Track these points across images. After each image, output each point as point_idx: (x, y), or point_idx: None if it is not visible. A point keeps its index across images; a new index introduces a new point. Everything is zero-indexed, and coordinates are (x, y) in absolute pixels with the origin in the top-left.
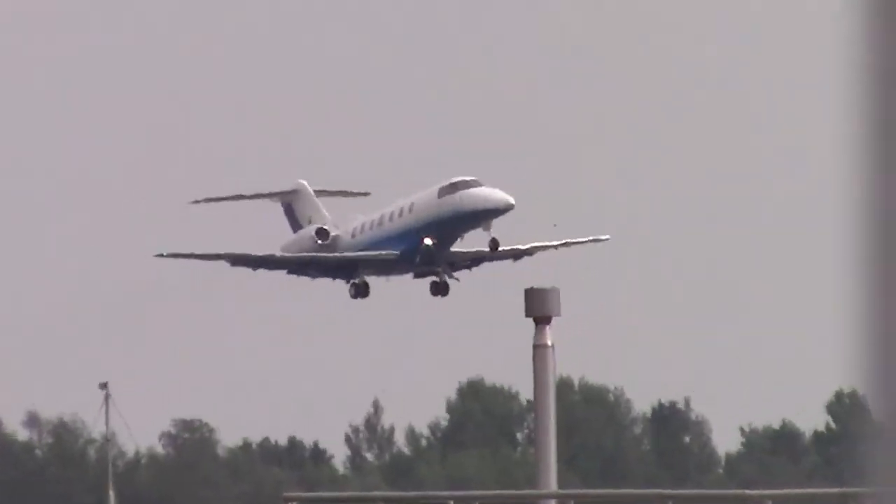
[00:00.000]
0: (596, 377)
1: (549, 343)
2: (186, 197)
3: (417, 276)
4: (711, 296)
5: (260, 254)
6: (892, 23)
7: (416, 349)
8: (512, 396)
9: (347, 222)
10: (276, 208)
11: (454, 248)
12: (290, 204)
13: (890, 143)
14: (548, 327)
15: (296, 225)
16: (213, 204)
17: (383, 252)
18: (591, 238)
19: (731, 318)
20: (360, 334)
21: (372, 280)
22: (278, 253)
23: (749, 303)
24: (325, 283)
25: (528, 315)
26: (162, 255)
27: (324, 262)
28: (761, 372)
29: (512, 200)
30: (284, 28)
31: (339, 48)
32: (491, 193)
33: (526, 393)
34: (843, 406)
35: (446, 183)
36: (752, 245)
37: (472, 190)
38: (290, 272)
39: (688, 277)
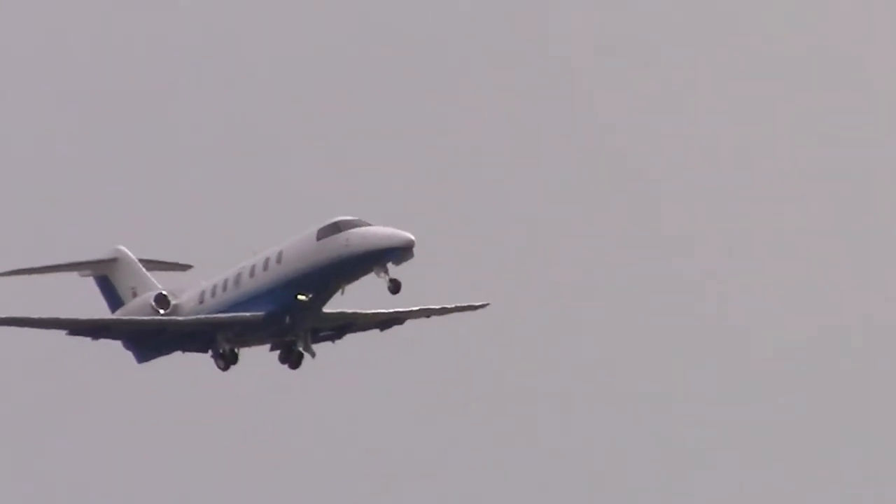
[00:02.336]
0: None
1: None
2: None
3: (275, 346)
4: None
5: (105, 317)
6: None
7: None
8: None
9: (181, 292)
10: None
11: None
12: (107, 276)
13: None
14: None
15: (114, 301)
16: (19, 278)
17: (246, 314)
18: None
19: None
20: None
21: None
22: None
23: None
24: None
25: None
26: None
27: (179, 327)
28: None
29: (412, 237)
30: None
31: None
32: (385, 231)
33: None
34: None
35: (325, 224)
36: None
37: (361, 229)
38: (130, 344)
39: None
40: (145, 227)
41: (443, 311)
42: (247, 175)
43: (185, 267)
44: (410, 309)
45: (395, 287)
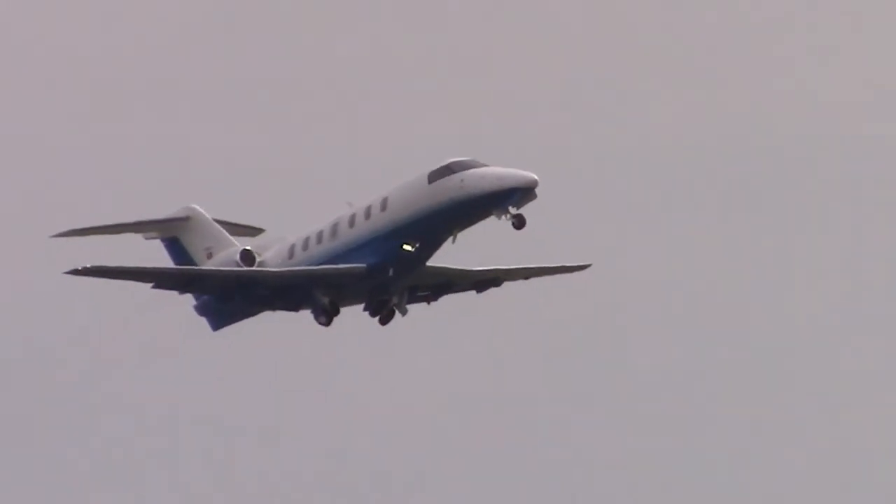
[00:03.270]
0: None
1: None
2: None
3: (368, 304)
4: None
5: (201, 267)
6: None
7: None
8: None
9: (263, 249)
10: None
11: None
12: (177, 238)
13: None
14: None
15: (185, 264)
16: (76, 239)
17: (348, 265)
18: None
19: None
20: None
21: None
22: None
23: None
24: None
25: None
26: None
27: (276, 279)
28: None
29: (536, 177)
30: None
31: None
32: (504, 171)
33: None
34: None
35: (437, 167)
36: None
37: (477, 170)
38: (210, 307)
39: None
40: (211, 188)
41: (542, 272)
42: (317, 138)
43: (256, 231)
44: (511, 267)
45: (519, 223)
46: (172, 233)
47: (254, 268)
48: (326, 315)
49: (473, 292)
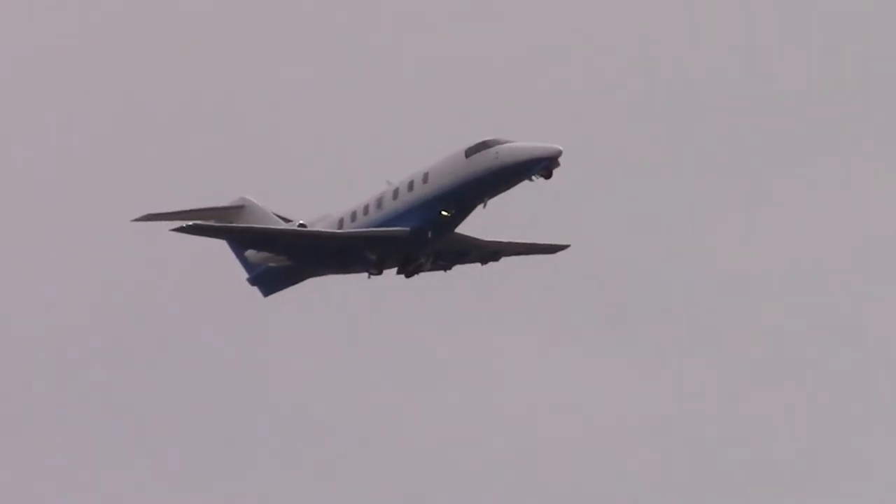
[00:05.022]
0: None
1: None
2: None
3: (401, 269)
4: None
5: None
6: None
7: None
8: None
9: (311, 225)
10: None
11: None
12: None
13: None
14: None
15: (237, 249)
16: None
17: (394, 228)
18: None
19: None
20: None
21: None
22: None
23: None
24: None
25: None
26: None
27: (336, 240)
28: None
29: (560, 147)
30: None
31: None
32: (533, 143)
33: None
34: None
35: (472, 144)
36: None
37: (509, 144)
38: (264, 275)
39: None
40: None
41: (526, 250)
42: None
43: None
44: (510, 241)
45: (549, 173)
46: (230, 220)
47: (323, 229)
48: (377, 267)
49: (479, 264)
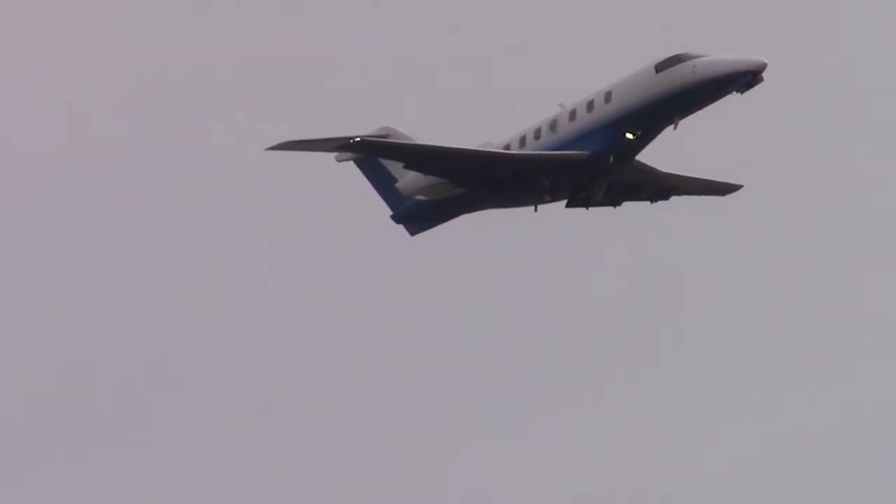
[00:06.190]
0: None
1: None
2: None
3: (570, 202)
4: None
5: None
6: None
7: None
8: None
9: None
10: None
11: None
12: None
13: None
14: None
15: (382, 183)
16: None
17: (572, 152)
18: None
19: None
20: None
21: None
22: None
23: None
24: None
25: None
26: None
27: (508, 162)
28: None
29: (765, 60)
30: None
31: None
32: (734, 56)
33: None
34: None
35: (663, 58)
36: None
37: (707, 57)
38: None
39: None
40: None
41: (702, 187)
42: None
43: None
44: (690, 176)
45: (750, 84)
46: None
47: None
48: (550, 193)
49: (648, 203)
